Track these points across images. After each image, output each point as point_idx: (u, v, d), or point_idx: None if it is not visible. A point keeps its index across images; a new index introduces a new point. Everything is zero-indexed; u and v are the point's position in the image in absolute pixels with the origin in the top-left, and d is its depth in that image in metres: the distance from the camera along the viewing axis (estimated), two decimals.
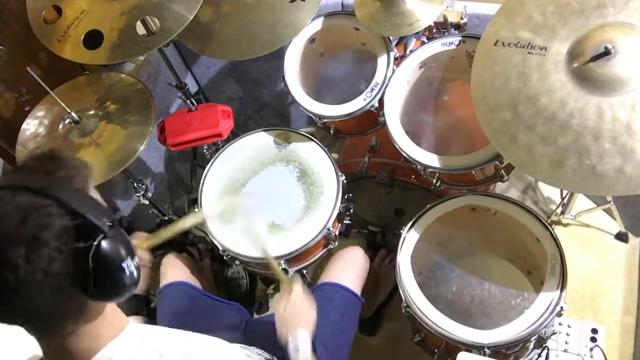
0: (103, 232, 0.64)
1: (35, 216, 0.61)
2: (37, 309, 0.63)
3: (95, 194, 0.71)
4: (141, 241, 1.20)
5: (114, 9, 1.31)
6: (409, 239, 1.34)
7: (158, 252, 1.79)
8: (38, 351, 0.73)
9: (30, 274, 0.60)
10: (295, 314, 1.09)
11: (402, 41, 1.61)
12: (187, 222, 1.20)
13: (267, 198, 1.50)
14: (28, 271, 0.60)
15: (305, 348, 1.04)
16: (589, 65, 1.08)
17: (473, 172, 1.39)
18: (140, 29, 1.35)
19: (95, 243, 0.63)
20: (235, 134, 1.66)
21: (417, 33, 1.46)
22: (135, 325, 0.78)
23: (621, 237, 1.75)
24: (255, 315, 1.84)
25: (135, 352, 0.74)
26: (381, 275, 1.74)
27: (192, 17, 1.25)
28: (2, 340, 0.80)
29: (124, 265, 0.66)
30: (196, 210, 1.50)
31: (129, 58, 1.46)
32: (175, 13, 1.26)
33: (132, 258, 0.68)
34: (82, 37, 1.29)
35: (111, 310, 0.74)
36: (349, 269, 1.39)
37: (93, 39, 1.30)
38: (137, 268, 0.70)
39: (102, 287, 0.65)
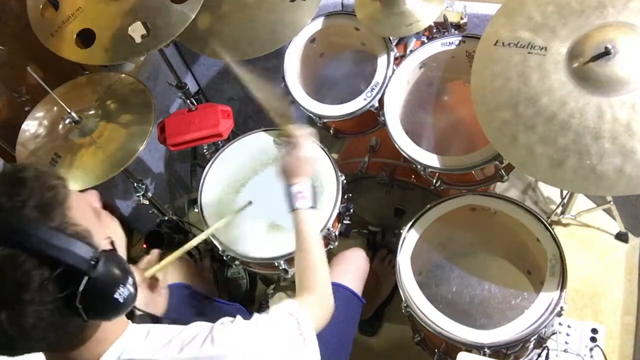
0: (86, 274, 0.61)
1: (11, 276, 0.58)
2: (37, 345, 0.64)
3: (77, 206, 0.66)
4: (149, 265, 1.20)
5: (110, 9, 1.31)
6: (409, 239, 1.34)
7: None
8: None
9: (20, 332, 0.59)
10: (297, 162, 1.09)
11: (402, 41, 1.61)
12: (193, 242, 1.19)
13: (267, 198, 1.50)
14: (17, 331, 0.59)
15: (306, 195, 1.06)
16: (589, 65, 1.08)
17: (473, 172, 1.39)
18: (140, 30, 1.35)
19: (80, 289, 0.60)
20: (235, 134, 1.65)
21: (417, 33, 1.46)
22: (136, 325, 0.79)
23: (621, 237, 1.75)
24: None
25: (143, 342, 0.75)
26: (381, 276, 1.74)
27: (193, 17, 1.26)
28: None
29: (116, 295, 0.64)
30: (195, 210, 1.50)
31: (122, 60, 1.46)
32: (175, 13, 1.27)
33: (125, 283, 0.65)
34: (75, 35, 1.30)
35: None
36: (350, 270, 1.39)
37: (87, 38, 1.30)
38: (133, 286, 0.67)
39: (95, 314, 0.64)
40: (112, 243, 0.69)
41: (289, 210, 1.09)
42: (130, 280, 0.66)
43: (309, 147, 1.11)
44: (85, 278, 0.60)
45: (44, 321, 0.60)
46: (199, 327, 0.81)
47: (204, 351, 0.75)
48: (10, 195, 0.60)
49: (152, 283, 1.21)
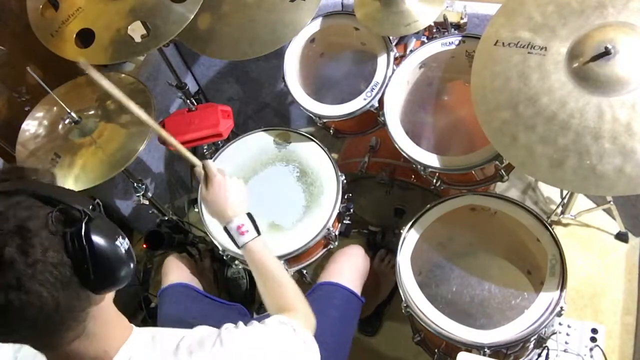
0: (87, 215, 0.63)
1: (15, 210, 0.60)
2: (44, 307, 0.61)
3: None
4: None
5: (110, 9, 1.31)
6: (409, 239, 1.34)
7: (158, 252, 1.80)
8: None
9: (28, 266, 0.58)
10: (224, 201, 1.05)
11: (402, 41, 1.61)
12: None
13: (267, 198, 1.50)
14: (26, 263, 0.58)
15: (247, 227, 1.02)
16: (589, 65, 1.08)
17: (473, 172, 1.39)
18: (140, 30, 1.35)
19: (84, 224, 0.62)
20: (235, 134, 1.66)
21: (417, 33, 1.46)
22: (140, 329, 0.78)
23: (621, 237, 1.75)
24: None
25: (151, 348, 0.75)
26: (381, 275, 1.74)
27: (192, 17, 1.26)
28: None
29: (117, 242, 0.66)
30: (195, 209, 1.49)
31: (122, 60, 1.46)
32: (175, 13, 1.27)
33: (123, 237, 0.68)
34: (75, 35, 1.30)
35: (116, 313, 0.74)
36: (349, 268, 1.39)
37: (86, 38, 1.30)
38: (129, 243, 0.69)
39: (101, 269, 0.64)
40: (99, 204, 0.71)
41: (238, 248, 1.05)
42: (125, 238, 0.69)
43: (226, 183, 1.07)
44: (86, 217, 0.63)
45: (50, 261, 0.60)
46: (205, 331, 0.81)
47: (215, 354, 0.75)
48: (11, 173, 0.67)
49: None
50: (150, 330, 0.79)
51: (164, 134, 1.06)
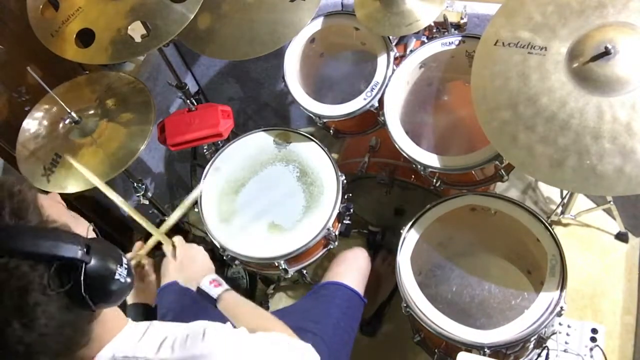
0: (83, 262, 0.62)
1: (10, 283, 0.58)
2: (54, 347, 0.63)
3: (47, 203, 0.66)
4: (138, 250, 1.21)
5: (110, 9, 1.31)
6: (409, 239, 1.34)
7: (158, 252, 1.79)
8: None
9: (36, 336, 0.59)
10: (189, 267, 1.13)
11: (402, 41, 1.61)
12: (169, 221, 1.18)
13: (267, 198, 1.50)
14: (33, 336, 0.59)
15: (217, 281, 1.08)
16: (589, 65, 1.08)
17: (473, 172, 1.39)
18: (140, 29, 1.35)
19: (82, 278, 0.61)
20: (235, 134, 1.66)
21: (417, 33, 1.46)
22: (135, 323, 0.79)
23: (621, 237, 1.75)
24: None
25: (138, 342, 0.75)
26: (382, 276, 1.74)
27: (192, 16, 1.25)
28: None
29: (117, 276, 0.66)
30: (195, 209, 1.49)
31: (122, 59, 1.46)
32: (175, 13, 1.27)
33: (121, 264, 0.67)
34: (75, 35, 1.30)
35: (111, 311, 0.74)
36: (352, 269, 1.39)
37: (86, 38, 1.30)
38: (129, 268, 0.69)
39: (103, 300, 0.65)
40: (94, 230, 0.70)
41: (214, 306, 1.08)
42: (124, 259, 0.68)
43: (188, 249, 1.16)
44: (83, 265, 0.61)
45: (54, 320, 0.60)
46: (194, 327, 0.81)
47: (192, 349, 0.75)
48: None
49: (140, 272, 1.23)
50: (147, 324, 0.79)
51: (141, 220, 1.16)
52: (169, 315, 1.34)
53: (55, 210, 0.67)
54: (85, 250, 0.62)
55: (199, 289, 1.10)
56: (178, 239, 1.18)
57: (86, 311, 0.64)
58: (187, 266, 1.14)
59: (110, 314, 0.74)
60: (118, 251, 0.69)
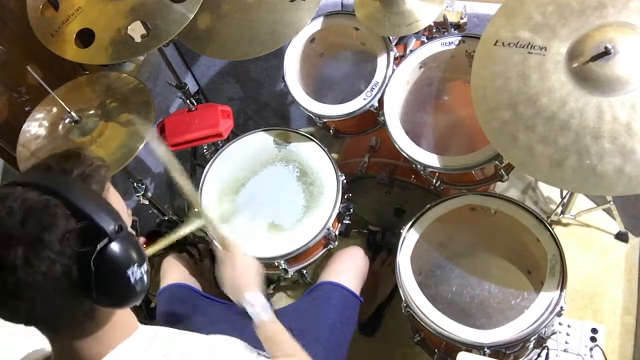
0: (108, 236, 0.62)
1: (40, 215, 0.60)
2: (40, 312, 0.62)
3: (112, 195, 0.70)
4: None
5: (109, 9, 1.31)
6: (409, 239, 1.34)
7: (158, 252, 1.79)
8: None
9: (29, 276, 0.59)
10: (242, 275, 1.04)
11: (402, 41, 1.61)
12: (186, 229, 1.15)
13: (267, 198, 1.50)
14: (27, 273, 0.58)
15: (266, 308, 1.00)
16: (588, 65, 1.08)
17: (473, 172, 1.39)
18: (140, 29, 1.35)
19: (98, 248, 0.61)
20: (235, 134, 1.66)
21: (417, 33, 1.46)
22: (144, 328, 0.77)
23: (621, 237, 1.75)
24: None
25: (143, 352, 0.74)
26: (381, 276, 1.74)
27: (192, 16, 1.26)
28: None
29: (129, 272, 0.64)
30: (196, 210, 1.49)
31: (122, 59, 1.46)
32: (175, 13, 1.27)
33: (140, 265, 0.66)
34: (75, 35, 1.30)
35: (122, 313, 0.73)
36: (348, 268, 1.39)
37: (86, 38, 1.30)
38: (147, 274, 0.67)
39: (105, 292, 0.63)
40: (135, 229, 0.70)
41: (255, 327, 1.01)
42: (145, 267, 0.67)
43: (243, 257, 1.06)
44: (106, 240, 0.62)
45: (54, 276, 0.59)
46: (204, 343, 0.81)
47: None
48: (61, 160, 0.66)
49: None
50: (155, 331, 0.78)
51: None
52: (168, 317, 1.34)
53: (114, 199, 0.70)
54: (116, 230, 0.63)
55: (240, 302, 1.02)
56: (237, 244, 1.09)
57: (84, 300, 0.63)
58: (240, 275, 1.05)
59: (120, 317, 0.72)
60: (144, 255, 0.67)
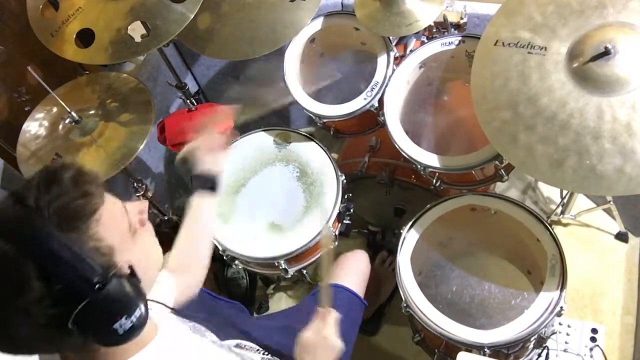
0: (87, 296, 0.56)
1: (10, 278, 0.55)
2: (36, 350, 0.61)
3: (105, 218, 0.61)
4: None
5: (110, 9, 1.31)
6: (409, 239, 1.34)
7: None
8: None
9: (13, 332, 0.56)
10: (320, 344, 1.02)
11: (402, 41, 1.61)
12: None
13: (267, 198, 1.50)
14: (10, 331, 0.57)
15: None
16: (588, 65, 1.08)
17: (473, 172, 1.39)
18: (140, 29, 1.35)
19: (75, 312, 0.56)
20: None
21: (417, 33, 1.46)
22: (161, 337, 0.73)
23: (621, 237, 1.75)
24: (255, 315, 1.84)
25: None
26: (382, 277, 1.74)
27: (192, 16, 1.26)
28: None
29: (116, 326, 0.59)
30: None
31: (122, 59, 1.46)
32: (175, 13, 1.27)
33: (130, 315, 0.60)
34: (75, 35, 1.30)
35: None
36: (353, 272, 1.39)
37: (86, 38, 1.30)
38: (140, 318, 0.61)
39: (92, 340, 0.60)
40: (130, 268, 0.62)
41: None
42: (137, 312, 0.61)
43: (333, 337, 1.02)
44: (85, 301, 0.56)
45: (34, 333, 0.57)
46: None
47: None
48: (39, 192, 0.57)
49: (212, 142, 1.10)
50: (173, 336, 0.75)
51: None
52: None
53: (109, 228, 0.61)
54: (98, 286, 0.57)
55: None
56: (336, 315, 1.05)
57: (74, 338, 0.59)
58: (318, 349, 1.01)
59: None
60: (137, 298, 0.61)
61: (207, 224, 1.10)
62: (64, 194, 0.57)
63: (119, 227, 0.63)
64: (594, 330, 1.51)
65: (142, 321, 0.62)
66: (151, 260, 0.71)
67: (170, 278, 0.99)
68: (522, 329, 1.14)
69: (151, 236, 0.71)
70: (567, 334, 1.51)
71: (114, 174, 1.31)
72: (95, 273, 0.57)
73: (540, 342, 1.29)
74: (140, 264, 0.64)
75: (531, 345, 1.28)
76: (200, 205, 1.08)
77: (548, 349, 1.34)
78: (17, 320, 0.56)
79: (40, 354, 0.65)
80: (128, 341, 0.61)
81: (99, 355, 0.66)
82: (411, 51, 1.50)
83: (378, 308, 1.74)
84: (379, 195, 1.71)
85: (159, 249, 0.73)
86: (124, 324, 0.59)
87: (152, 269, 0.71)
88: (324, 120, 1.59)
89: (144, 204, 0.70)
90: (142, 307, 0.61)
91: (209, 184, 1.07)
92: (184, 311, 1.32)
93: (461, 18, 1.51)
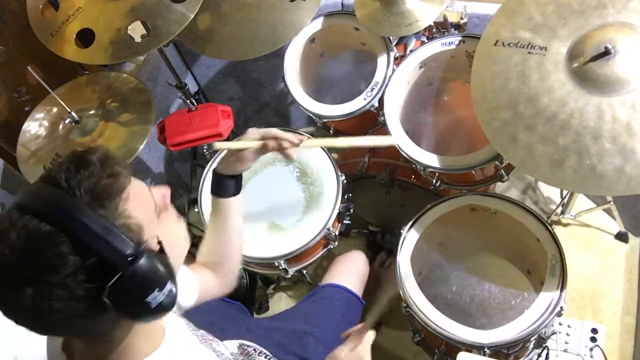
0: (120, 269, 0.58)
1: (44, 254, 0.56)
2: (61, 330, 0.62)
3: (133, 198, 0.62)
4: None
5: (110, 9, 1.31)
6: (409, 239, 1.34)
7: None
8: None
9: (43, 312, 0.57)
10: None
11: (402, 41, 1.61)
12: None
13: (267, 198, 1.50)
14: (41, 311, 0.57)
15: None
16: (589, 65, 1.08)
17: (473, 172, 1.39)
18: (140, 29, 1.35)
19: (109, 284, 0.57)
20: (235, 134, 1.66)
21: (417, 33, 1.46)
22: (169, 342, 0.74)
23: (621, 237, 1.75)
24: (255, 315, 1.84)
25: None
26: (382, 278, 1.74)
27: (192, 16, 1.26)
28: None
29: (149, 299, 0.60)
30: (195, 209, 1.49)
31: (122, 59, 1.46)
32: (175, 13, 1.27)
33: (162, 288, 0.61)
34: (75, 35, 1.30)
35: (148, 324, 0.69)
36: (351, 272, 1.40)
37: (87, 38, 1.30)
38: (169, 295, 0.62)
39: (125, 314, 0.61)
40: (160, 243, 0.64)
41: None
42: (168, 287, 0.62)
43: (369, 353, 1.06)
44: (118, 274, 0.57)
45: (69, 309, 0.57)
46: None
47: None
48: (70, 173, 0.59)
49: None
50: (178, 343, 0.75)
51: None
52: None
53: (137, 206, 0.62)
54: (130, 259, 0.58)
55: None
56: (372, 336, 1.09)
57: (106, 314, 0.60)
58: None
59: (147, 328, 0.69)
60: (168, 274, 0.62)
61: (238, 222, 1.05)
62: (92, 174, 0.59)
63: (146, 207, 0.65)
64: (594, 330, 1.51)
65: (172, 299, 0.63)
66: (178, 239, 0.73)
67: (192, 279, 0.98)
68: (522, 329, 1.14)
69: (176, 217, 0.73)
70: (567, 334, 1.51)
71: None
72: (127, 246, 0.59)
73: (540, 342, 1.29)
74: (168, 242, 0.65)
75: (531, 345, 1.28)
76: (230, 203, 1.03)
77: (548, 349, 1.34)
78: (54, 295, 0.56)
79: (69, 335, 0.66)
80: (159, 317, 0.63)
81: (115, 355, 0.67)
82: (411, 51, 1.50)
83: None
84: (379, 195, 1.71)
85: (185, 229, 0.75)
86: (157, 296, 0.60)
87: (181, 248, 0.74)
88: (324, 120, 1.59)
89: (167, 189, 0.72)
90: (172, 284, 0.63)
91: (239, 183, 1.04)
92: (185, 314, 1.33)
93: (461, 18, 1.51)
